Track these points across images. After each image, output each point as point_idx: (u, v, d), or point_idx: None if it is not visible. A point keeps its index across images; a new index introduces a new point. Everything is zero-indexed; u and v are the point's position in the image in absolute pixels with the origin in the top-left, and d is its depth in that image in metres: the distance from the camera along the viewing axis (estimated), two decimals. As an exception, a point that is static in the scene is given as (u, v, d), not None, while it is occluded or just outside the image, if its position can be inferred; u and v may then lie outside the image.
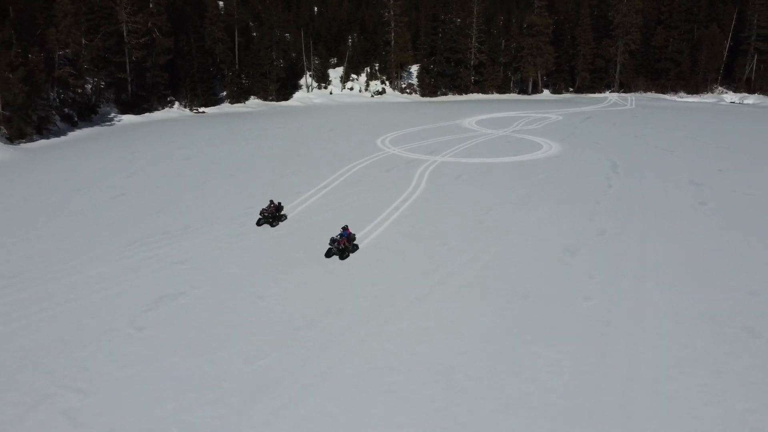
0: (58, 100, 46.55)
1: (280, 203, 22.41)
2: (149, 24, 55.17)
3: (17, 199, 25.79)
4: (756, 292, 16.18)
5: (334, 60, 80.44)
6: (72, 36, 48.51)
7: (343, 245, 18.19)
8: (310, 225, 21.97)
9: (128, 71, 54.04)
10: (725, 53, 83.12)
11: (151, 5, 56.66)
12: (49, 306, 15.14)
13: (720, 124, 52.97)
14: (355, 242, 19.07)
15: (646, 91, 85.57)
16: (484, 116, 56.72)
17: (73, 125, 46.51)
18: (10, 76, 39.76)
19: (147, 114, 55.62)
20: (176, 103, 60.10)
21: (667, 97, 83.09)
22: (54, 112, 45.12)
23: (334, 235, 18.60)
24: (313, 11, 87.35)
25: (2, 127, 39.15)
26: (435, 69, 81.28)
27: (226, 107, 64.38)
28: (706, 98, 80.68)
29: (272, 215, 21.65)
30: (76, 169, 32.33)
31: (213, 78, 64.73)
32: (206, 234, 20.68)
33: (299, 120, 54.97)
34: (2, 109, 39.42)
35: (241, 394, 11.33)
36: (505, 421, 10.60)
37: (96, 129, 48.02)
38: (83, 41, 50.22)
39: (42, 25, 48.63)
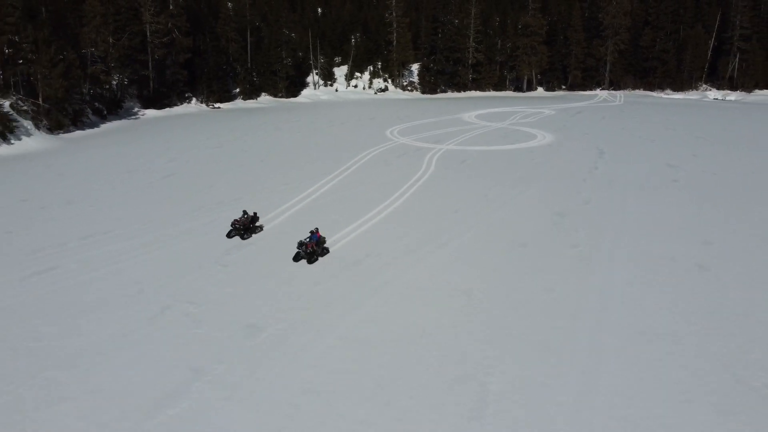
0: (89, 95, 50.21)
1: (255, 214, 21.27)
2: (170, 24, 58.84)
3: (78, 179, 29.50)
4: (710, 242, 20.19)
5: (338, 59, 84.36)
6: (101, 35, 52.20)
7: (311, 249, 17.97)
8: (343, 197, 25.84)
9: (151, 68, 57.75)
10: (709, 52, 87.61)
11: (171, 7, 60.34)
12: (143, 252, 18.92)
13: (701, 118, 57.23)
14: (325, 245, 18.85)
15: (634, 88, 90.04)
16: (483, 111, 60.83)
17: (103, 118, 50.26)
18: (48, 72, 43.49)
19: (167, 109, 59.40)
20: (194, 99, 63.85)
21: (654, 94, 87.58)
22: (86, 106, 48.80)
23: (303, 239, 18.50)
24: (317, 12, 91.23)
25: (43, 119, 42.79)
26: (435, 67, 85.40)
27: (239, 103, 68.19)
28: (691, 95, 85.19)
29: (245, 227, 20.38)
30: (119, 155, 36.04)
31: (227, 75, 68.50)
32: (257, 203, 24.36)
33: (310, 115, 58.84)
34: (43, 102, 43.09)
35: (316, 303, 15.23)
36: (511, 317, 14.52)
37: (123, 122, 51.77)
38: (110, 40, 53.92)
39: (72, 25, 52.29)
